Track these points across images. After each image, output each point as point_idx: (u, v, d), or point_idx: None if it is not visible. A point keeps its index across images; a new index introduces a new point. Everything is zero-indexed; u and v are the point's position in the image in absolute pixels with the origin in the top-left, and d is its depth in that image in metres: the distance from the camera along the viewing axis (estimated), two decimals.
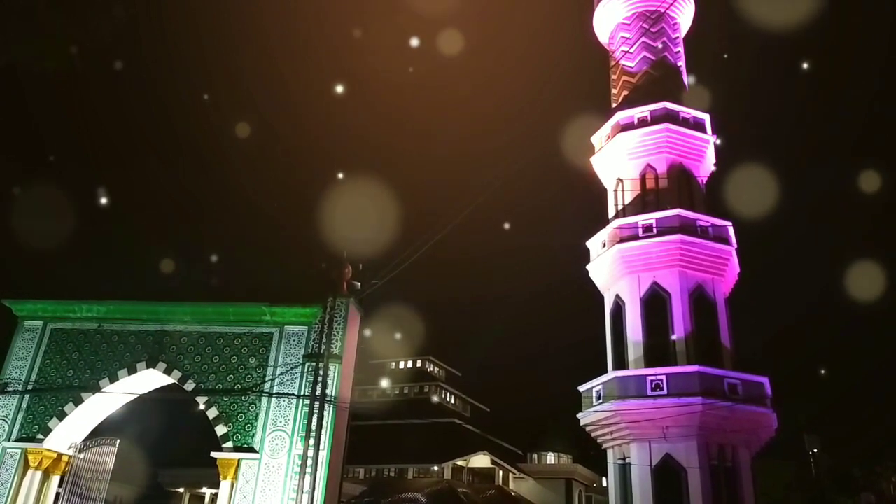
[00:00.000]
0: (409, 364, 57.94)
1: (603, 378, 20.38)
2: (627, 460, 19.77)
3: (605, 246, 22.52)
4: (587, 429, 21.12)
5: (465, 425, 48.64)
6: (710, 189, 24.80)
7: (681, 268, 21.04)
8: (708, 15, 28.89)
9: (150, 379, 17.38)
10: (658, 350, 20.42)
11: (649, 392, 19.04)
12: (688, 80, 26.10)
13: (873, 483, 43.36)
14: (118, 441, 17.98)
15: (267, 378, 16.16)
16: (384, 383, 55.90)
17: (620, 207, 23.46)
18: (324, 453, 15.19)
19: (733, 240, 22.17)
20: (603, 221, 23.56)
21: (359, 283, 17.18)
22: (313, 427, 15.31)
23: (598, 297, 23.33)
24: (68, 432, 16.93)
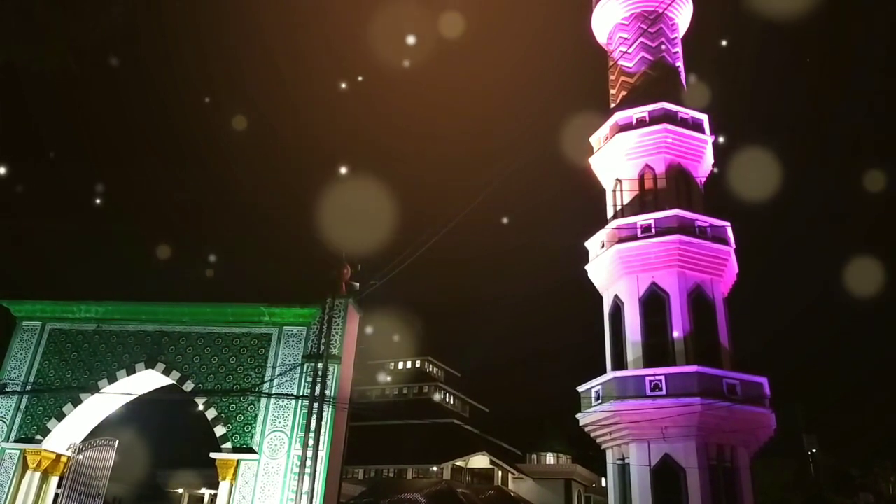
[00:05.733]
0: (409, 364, 57.94)
1: (602, 378, 20.37)
2: (626, 460, 19.76)
3: (603, 246, 22.51)
4: (586, 429, 21.10)
5: (464, 426, 48.64)
6: (709, 189, 24.82)
7: (679, 268, 21.05)
8: (706, 15, 28.87)
9: (149, 380, 17.37)
10: (657, 350, 20.40)
11: (648, 392, 19.02)
12: (686, 79, 26.10)
13: (872, 483, 43.46)
14: (117, 442, 17.98)
15: (266, 378, 16.16)
16: (383, 383, 55.90)
17: (619, 208, 23.46)
18: (323, 454, 15.18)
19: (732, 240, 22.17)
20: (602, 222, 23.54)
21: (357, 284, 17.18)
22: (312, 428, 15.30)
23: (597, 298, 23.32)
24: (67, 433, 16.91)
